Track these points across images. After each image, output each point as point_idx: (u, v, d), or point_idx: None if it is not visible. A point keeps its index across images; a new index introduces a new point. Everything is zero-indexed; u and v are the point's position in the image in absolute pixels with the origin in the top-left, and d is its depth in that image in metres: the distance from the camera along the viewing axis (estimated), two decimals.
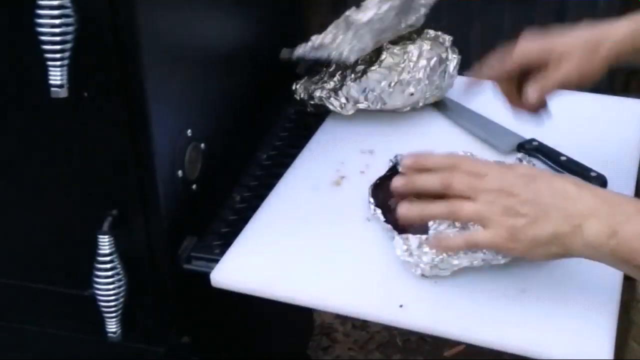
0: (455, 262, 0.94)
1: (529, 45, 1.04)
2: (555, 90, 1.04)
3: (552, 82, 1.03)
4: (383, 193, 1.07)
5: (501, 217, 0.86)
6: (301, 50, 1.23)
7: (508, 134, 1.24)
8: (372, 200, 1.09)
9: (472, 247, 0.91)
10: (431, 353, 2.06)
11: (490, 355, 0.96)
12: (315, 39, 1.22)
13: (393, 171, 1.09)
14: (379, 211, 1.06)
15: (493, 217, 0.86)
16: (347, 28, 1.20)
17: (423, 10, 1.32)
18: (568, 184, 0.87)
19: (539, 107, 1.08)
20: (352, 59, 1.24)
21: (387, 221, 1.04)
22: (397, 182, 0.95)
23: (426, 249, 0.95)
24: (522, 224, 0.85)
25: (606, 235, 0.82)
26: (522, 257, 0.91)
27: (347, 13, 1.19)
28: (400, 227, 1.00)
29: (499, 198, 0.86)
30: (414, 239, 0.96)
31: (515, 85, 1.07)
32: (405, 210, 0.92)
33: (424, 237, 0.95)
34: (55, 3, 0.84)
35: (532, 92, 1.03)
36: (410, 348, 2.08)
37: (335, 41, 1.21)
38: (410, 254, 0.96)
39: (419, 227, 0.97)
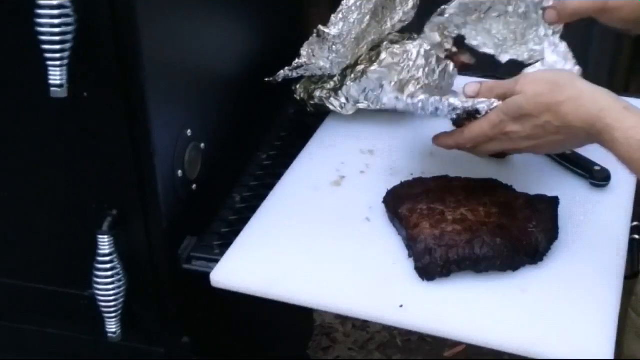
0: None
1: None
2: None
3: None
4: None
5: None
6: (283, 73, 1.24)
7: None
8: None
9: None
10: (431, 353, 2.06)
11: (490, 355, 0.96)
12: (294, 62, 1.23)
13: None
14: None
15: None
16: (321, 43, 1.20)
17: (411, 3, 1.32)
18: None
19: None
20: (336, 71, 1.25)
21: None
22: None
23: None
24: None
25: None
26: None
27: (317, 28, 1.20)
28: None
29: None
30: None
31: None
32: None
33: None
34: (55, 3, 0.84)
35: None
36: (410, 348, 2.08)
37: (311, 59, 1.22)
38: None
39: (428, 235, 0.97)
